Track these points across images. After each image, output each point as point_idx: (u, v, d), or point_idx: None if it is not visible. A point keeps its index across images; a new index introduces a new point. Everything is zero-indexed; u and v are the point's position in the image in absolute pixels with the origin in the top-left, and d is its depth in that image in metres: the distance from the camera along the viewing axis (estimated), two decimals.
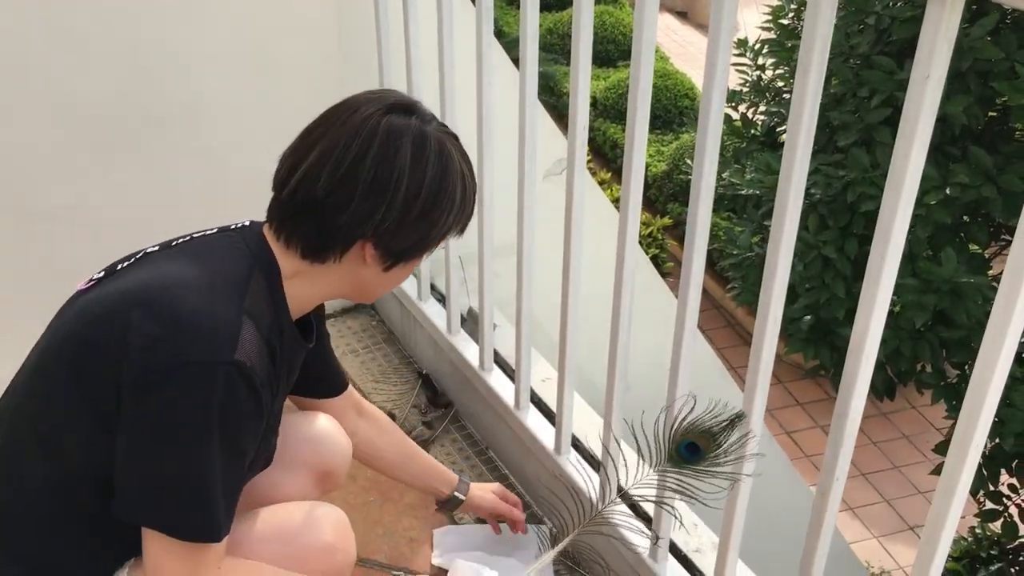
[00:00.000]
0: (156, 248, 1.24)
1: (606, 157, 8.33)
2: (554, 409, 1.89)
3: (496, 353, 2.08)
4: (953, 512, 1.14)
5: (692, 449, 1.39)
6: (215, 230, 1.26)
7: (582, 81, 1.50)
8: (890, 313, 4.57)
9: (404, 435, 1.68)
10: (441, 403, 2.22)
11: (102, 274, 1.23)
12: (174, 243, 1.24)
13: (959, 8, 0.94)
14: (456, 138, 1.24)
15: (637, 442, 1.43)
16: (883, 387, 4.22)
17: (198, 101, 2.20)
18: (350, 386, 1.58)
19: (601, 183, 7.64)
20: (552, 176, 2.48)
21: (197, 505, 1.12)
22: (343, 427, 1.54)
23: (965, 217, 4.11)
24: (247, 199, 2.20)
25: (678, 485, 1.42)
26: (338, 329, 2.45)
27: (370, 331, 2.46)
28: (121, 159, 2.15)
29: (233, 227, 1.25)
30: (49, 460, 1.16)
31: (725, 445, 1.36)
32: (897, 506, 6.04)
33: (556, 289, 1.73)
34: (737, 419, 1.35)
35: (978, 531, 4.46)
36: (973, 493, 4.27)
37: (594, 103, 8.60)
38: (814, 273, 4.07)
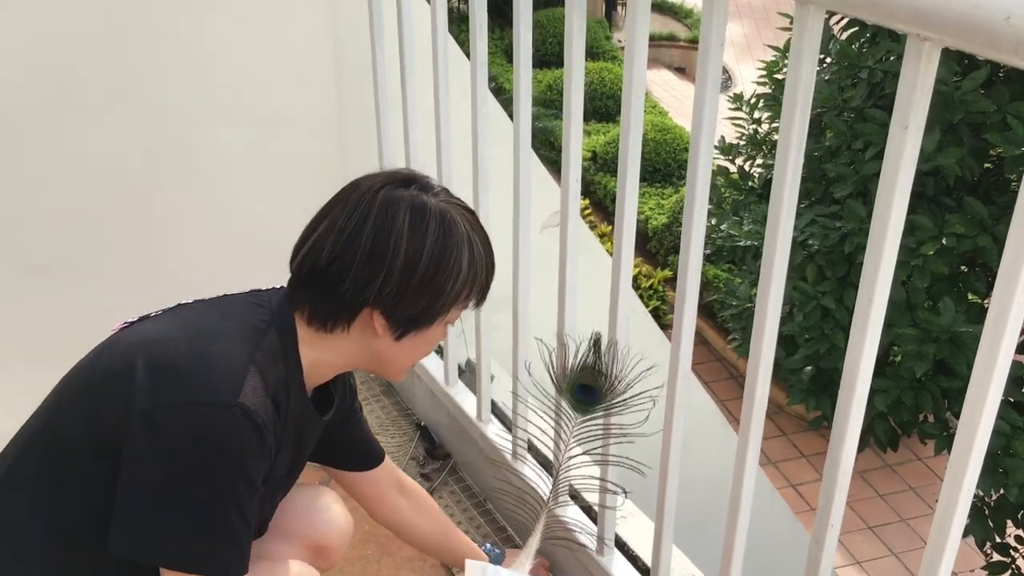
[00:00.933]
0: (190, 301, 1.29)
1: (606, 211, 8.39)
2: (551, 460, 1.88)
3: (494, 404, 2.09)
4: (948, 554, 1.13)
5: (586, 391, 1.40)
6: (247, 292, 1.30)
7: (574, 132, 1.52)
8: (891, 363, 4.55)
9: (440, 511, 1.66)
10: (439, 455, 2.21)
11: (135, 319, 1.27)
12: (207, 299, 1.29)
13: (935, 59, 0.97)
14: (469, 211, 1.27)
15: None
16: (886, 438, 4.21)
17: (198, 157, 2.24)
18: (389, 462, 1.57)
19: (601, 236, 7.69)
20: (549, 228, 2.50)
21: (217, 541, 1.13)
22: (384, 504, 1.55)
23: (963, 268, 4.13)
24: (247, 251, 2.24)
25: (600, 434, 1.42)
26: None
27: (368, 383, 2.47)
28: (123, 213, 2.18)
29: (263, 289, 1.30)
30: (52, 491, 1.17)
31: (611, 375, 1.37)
32: (905, 559, 5.96)
33: (554, 339, 1.74)
34: (597, 339, 1.36)
35: None
36: (980, 545, 4.23)
37: (594, 157, 8.69)
38: (813, 323, 4.08)
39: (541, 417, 1.58)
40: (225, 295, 1.29)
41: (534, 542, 1.55)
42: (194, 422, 1.10)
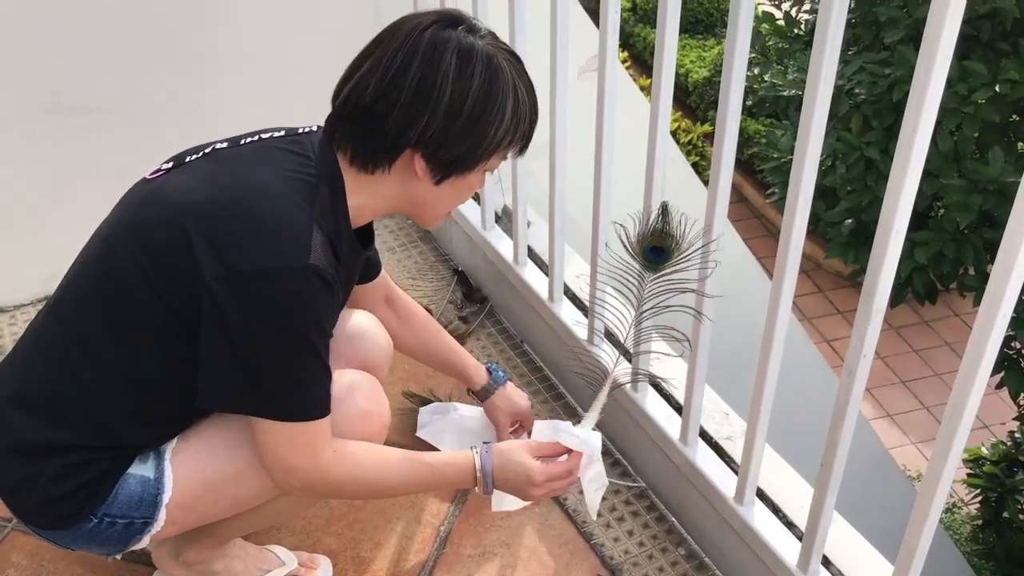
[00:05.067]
0: (225, 145, 1.28)
1: (645, 64, 8.17)
2: (587, 303, 1.91)
3: (530, 249, 2.10)
4: (975, 391, 1.14)
5: (657, 252, 1.47)
6: (283, 132, 1.29)
7: None
8: (933, 216, 4.49)
9: (433, 328, 1.69)
10: (476, 298, 2.25)
11: (170, 164, 1.27)
12: (243, 141, 1.28)
13: None
14: (515, 56, 1.25)
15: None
16: (924, 291, 4.19)
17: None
18: (383, 275, 1.61)
19: (641, 89, 7.52)
20: (587, 73, 2.45)
21: (302, 388, 1.20)
22: (373, 314, 1.59)
23: (1015, 116, 4.01)
24: (284, 91, 2.22)
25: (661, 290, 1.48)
26: (375, 226, 2.47)
27: (406, 229, 2.49)
28: (160, 55, 2.16)
29: (300, 131, 1.29)
30: (123, 345, 1.21)
31: (680, 239, 1.44)
32: (937, 413, 6.04)
33: (590, 188, 1.73)
34: (665, 206, 1.43)
35: (1017, 435, 4.46)
36: (1014, 397, 4.27)
37: (633, 8, 8.40)
38: (856, 175, 4.01)
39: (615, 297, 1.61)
40: (261, 138, 1.28)
41: (599, 405, 1.59)
42: (270, 287, 1.14)
